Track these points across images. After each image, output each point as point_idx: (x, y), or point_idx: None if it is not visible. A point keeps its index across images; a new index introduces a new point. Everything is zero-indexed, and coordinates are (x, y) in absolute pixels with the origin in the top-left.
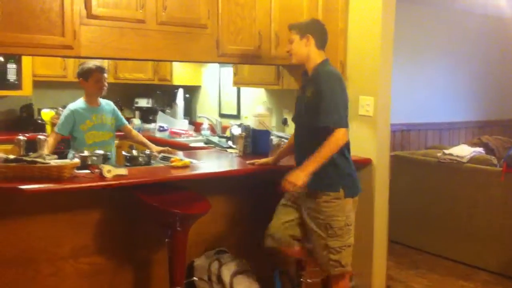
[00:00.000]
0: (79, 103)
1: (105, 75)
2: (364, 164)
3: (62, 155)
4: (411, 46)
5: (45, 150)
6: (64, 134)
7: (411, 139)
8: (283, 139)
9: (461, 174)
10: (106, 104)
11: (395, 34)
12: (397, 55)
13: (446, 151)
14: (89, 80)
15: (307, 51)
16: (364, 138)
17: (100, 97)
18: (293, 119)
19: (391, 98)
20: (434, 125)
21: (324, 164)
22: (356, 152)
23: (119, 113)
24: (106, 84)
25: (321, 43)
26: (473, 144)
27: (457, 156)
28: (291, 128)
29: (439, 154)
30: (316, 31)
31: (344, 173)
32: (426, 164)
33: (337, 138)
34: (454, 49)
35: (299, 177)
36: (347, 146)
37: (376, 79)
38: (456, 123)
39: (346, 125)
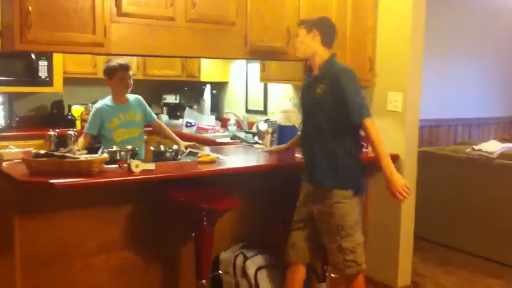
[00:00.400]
0: (106, 101)
1: (130, 73)
2: (392, 160)
3: (92, 150)
4: (441, 41)
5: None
6: (92, 133)
7: (439, 135)
8: None
9: (490, 170)
10: (135, 99)
11: (425, 29)
12: (426, 50)
13: (476, 147)
14: (114, 78)
15: (313, 46)
16: (392, 134)
17: (128, 93)
18: (302, 114)
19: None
20: (464, 120)
21: (335, 163)
22: None
23: (148, 108)
24: (131, 82)
25: (328, 41)
26: (503, 140)
27: (487, 151)
28: None
29: (468, 150)
30: (324, 27)
31: (353, 172)
32: (455, 160)
33: (373, 127)
34: (485, 44)
35: (398, 182)
36: (357, 145)
37: (405, 75)
38: (486, 119)
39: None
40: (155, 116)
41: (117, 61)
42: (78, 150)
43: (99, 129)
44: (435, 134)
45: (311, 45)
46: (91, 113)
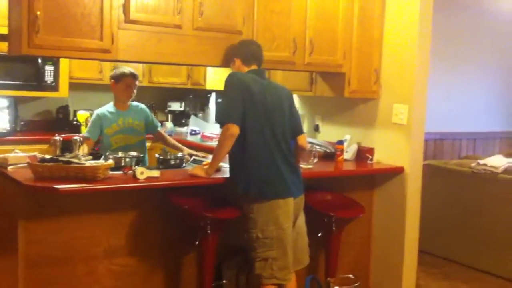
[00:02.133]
0: (107, 107)
1: (137, 82)
2: (397, 172)
3: (96, 156)
4: (447, 54)
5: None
6: (93, 138)
7: (444, 148)
8: (314, 145)
9: (495, 185)
10: (137, 107)
11: (431, 41)
12: (432, 62)
13: (481, 161)
14: (120, 83)
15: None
16: (397, 147)
17: (132, 101)
18: None
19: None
20: (469, 134)
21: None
22: (389, 160)
23: (153, 118)
24: (135, 91)
25: (246, 59)
26: (508, 155)
27: (492, 166)
28: (323, 134)
29: (473, 164)
30: (239, 51)
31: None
32: (459, 174)
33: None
34: (491, 57)
35: (200, 172)
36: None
37: (411, 87)
38: (492, 133)
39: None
40: (158, 126)
41: (128, 68)
42: (84, 156)
43: (99, 134)
44: (439, 148)
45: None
46: (92, 118)
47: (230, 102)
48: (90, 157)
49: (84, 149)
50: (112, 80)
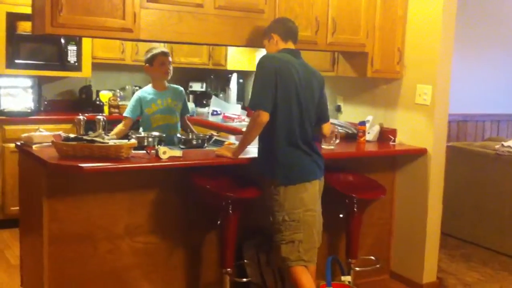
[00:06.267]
0: (146, 88)
1: (170, 59)
2: (420, 154)
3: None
4: (472, 33)
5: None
6: (132, 117)
7: (467, 130)
8: (336, 126)
9: None
10: (176, 89)
11: (456, 20)
12: (456, 42)
13: (505, 143)
14: (154, 64)
15: (277, 49)
16: (420, 128)
17: (169, 82)
18: None
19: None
20: (493, 116)
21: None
22: (412, 141)
23: (186, 101)
24: (171, 68)
25: (285, 35)
26: None
27: None
28: (344, 115)
29: (497, 146)
30: (277, 27)
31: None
32: (483, 156)
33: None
34: None
35: (226, 153)
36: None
37: (435, 67)
38: None
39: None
40: (189, 112)
41: (156, 48)
42: (107, 135)
43: (139, 115)
44: (462, 129)
45: (274, 49)
46: (132, 98)
47: (263, 88)
48: (114, 136)
49: (118, 127)
50: (147, 65)
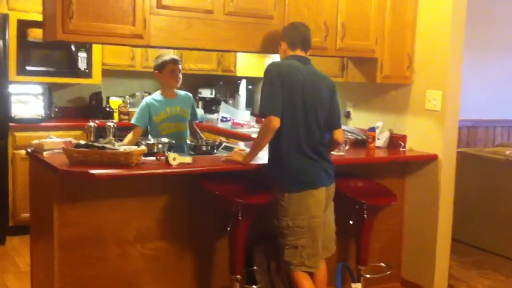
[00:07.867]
0: (155, 95)
1: (180, 66)
2: (430, 160)
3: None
4: (483, 39)
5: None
6: (141, 126)
7: (477, 136)
8: (346, 132)
9: None
10: (185, 95)
11: (466, 25)
12: (466, 47)
13: None
14: (164, 71)
15: (285, 56)
16: (430, 134)
17: (178, 89)
18: None
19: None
20: (503, 122)
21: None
22: (421, 147)
23: (195, 108)
24: (181, 76)
25: (292, 43)
26: None
27: None
28: (354, 121)
29: (508, 152)
30: (286, 34)
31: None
32: (494, 162)
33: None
34: None
35: (237, 158)
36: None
37: (445, 73)
38: None
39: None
40: (197, 118)
41: (167, 55)
42: (117, 142)
43: (148, 123)
44: (472, 135)
45: (283, 55)
46: (139, 106)
47: (271, 93)
48: (124, 143)
49: (128, 137)
50: (156, 71)
